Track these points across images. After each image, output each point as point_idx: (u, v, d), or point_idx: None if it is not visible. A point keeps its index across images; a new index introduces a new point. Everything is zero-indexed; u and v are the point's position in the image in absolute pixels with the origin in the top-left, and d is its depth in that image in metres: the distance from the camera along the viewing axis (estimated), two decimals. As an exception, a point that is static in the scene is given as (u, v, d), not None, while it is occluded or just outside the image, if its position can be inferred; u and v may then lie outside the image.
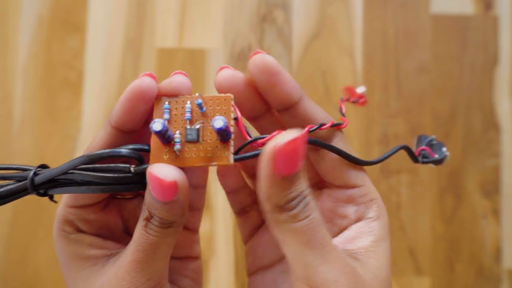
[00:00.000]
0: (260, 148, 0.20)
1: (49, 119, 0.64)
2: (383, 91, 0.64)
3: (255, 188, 0.25)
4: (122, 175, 0.20)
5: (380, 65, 0.65)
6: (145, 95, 0.20)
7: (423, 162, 0.26)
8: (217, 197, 0.63)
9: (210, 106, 0.20)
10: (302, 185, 0.19)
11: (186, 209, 0.20)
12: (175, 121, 0.20)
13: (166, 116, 0.20)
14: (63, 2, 0.65)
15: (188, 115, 0.20)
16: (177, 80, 0.21)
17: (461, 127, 0.64)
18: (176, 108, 0.21)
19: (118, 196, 0.24)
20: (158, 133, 0.19)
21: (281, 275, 0.24)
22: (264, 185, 0.19)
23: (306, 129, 0.21)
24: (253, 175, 0.25)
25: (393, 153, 0.25)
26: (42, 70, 0.65)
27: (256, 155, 0.20)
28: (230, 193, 0.26)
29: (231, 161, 0.19)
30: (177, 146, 0.20)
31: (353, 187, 0.22)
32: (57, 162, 0.66)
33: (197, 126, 0.20)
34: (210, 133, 0.20)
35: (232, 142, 0.20)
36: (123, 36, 0.65)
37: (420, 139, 0.27)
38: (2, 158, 0.63)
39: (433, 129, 0.64)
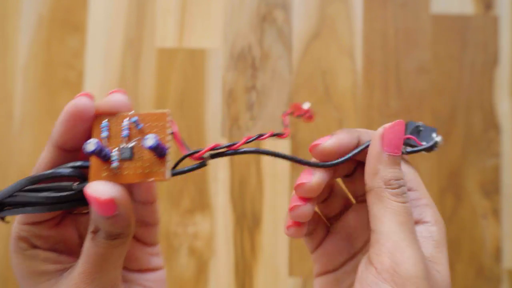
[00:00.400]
0: (202, 160, 0.21)
1: (49, 119, 0.64)
2: (383, 91, 0.64)
3: (320, 208, 0.27)
4: (65, 193, 0.20)
5: (380, 65, 0.65)
6: (82, 115, 0.21)
7: (408, 153, 0.25)
8: (217, 197, 0.63)
9: (147, 123, 0.21)
10: (402, 174, 0.22)
11: (131, 221, 0.21)
12: (113, 139, 0.21)
13: (105, 134, 0.21)
14: (63, 2, 0.65)
15: (125, 132, 0.21)
16: (115, 98, 0.22)
17: (461, 127, 0.64)
18: (114, 126, 0.21)
19: (74, 211, 0.24)
20: (92, 154, 0.20)
21: (342, 276, 0.26)
22: (373, 161, 0.22)
23: (268, 134, 0.22)
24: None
25: (362, 149, 0.24)
26: (42, 70, 0.65)
27: (194, 169, 0.21)
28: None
29: (167, 176, 0.20)
30: (114, 164, 0.20)
31: (409, 190, 0.24)
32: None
33: (131, 144, 0.21)
34: (146, 150, 0.20)
35: (168, 158, 0.20)
36: (123, 36, 0.65)
37: (406, 127, 0.26)
38: (2, 158, 0.63)
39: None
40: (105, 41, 0.65)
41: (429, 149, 0.25)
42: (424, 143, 0.25)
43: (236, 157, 0.63)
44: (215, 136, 0.64)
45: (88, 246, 0.21)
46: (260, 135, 0.22)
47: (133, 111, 0.22)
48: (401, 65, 0.65)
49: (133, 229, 0.21)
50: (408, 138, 0.25)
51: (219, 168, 0.63)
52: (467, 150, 0.63)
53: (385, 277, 0.21)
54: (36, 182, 0.21)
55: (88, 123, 0.21)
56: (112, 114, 0.21)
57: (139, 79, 0.65)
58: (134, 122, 0.21)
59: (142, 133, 0.21)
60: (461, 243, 0.62)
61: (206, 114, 0.64)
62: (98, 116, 0.21)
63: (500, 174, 0.63)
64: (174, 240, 0.62)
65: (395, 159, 0.22)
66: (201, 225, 0.62)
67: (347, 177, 0.27)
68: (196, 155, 0.21)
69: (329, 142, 0.25)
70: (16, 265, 0.23)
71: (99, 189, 0.19)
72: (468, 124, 0.64)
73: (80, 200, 0.21)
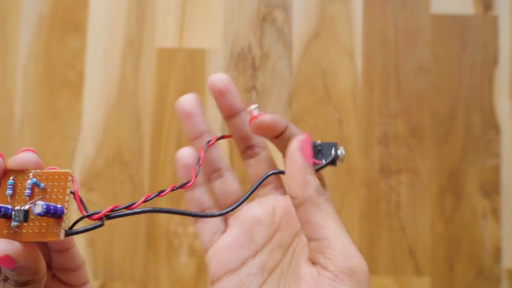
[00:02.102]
0: (99, 220, 0.22)
1: (49, 119, 0.64)
2: (383, 91, 0.64)
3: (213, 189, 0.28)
4: None
5: (380, 65, 0.65)
6: None
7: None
8: (217, 197, 0.63)
9: (49, 182, 0.22)
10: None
11: (38, 269, 0.22)
12: (17, 197, 0.22)
13: (9, 191, 0.22)
14: (63, 2, 0.65)
15: (27, 191, 0.22)
16: (23, 156, 0.23)
17: (461, 127, 0.64)
18: (20, 184, 0.22)
19: None
20: None
21: (248, 278, 0.26)
22: (300, 173, 0.23)
23: (168, 189, 0.24)
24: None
25: (262, 181, 0.26)
26: (43, 70, 0.65)
27: (90, 229, 0.22)
28: (189, 191, 0.28)
29: (61, 237, 0.22)
30: (14, 223, 0.21)
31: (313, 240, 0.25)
32: (57, 162, 0.66)
33: (26, 207, 0.22)
34: None
35: (64, 218, 0.22)
36: (123, 36, 0.65)
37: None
38: (3, 158, 0.63)
39: (433, 129, 0.64)
40: (105, 41, 0.65)
41: (330, 163, 0.26)
42: (323, 161, 0.26)
43: (236, 156, 0.63)
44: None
45: None
46: (161, 191, 0.24)
47: (35, 171, 0.23)
48: (401, 65, 0.65)
49: (43, 275, 0.23)
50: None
51: (219, 168, 0.63)
52: (467, 150, 0.64)
53: (343, 278, 0.22)
54: None
55: None
56: (19, 171, 0.23)
57: (139, 79, 0.65)
58: (34, 183, 0.22)
59: (45, 191, 0.22)
60: (460, 243, 0.62)
61: (206, 114, 0.64)
62: (7, 172, 0.23)
63: (499, 174, 0.63)
64: (174, 240, 0.62)
65: (313, 168, 0.24)
66: (201, 225, 0.62)
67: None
68: (95, 216, 0.22)
69: (267, 116, 0.25)
70: None
71: None
72: (468, 124, 0.64)
73: None
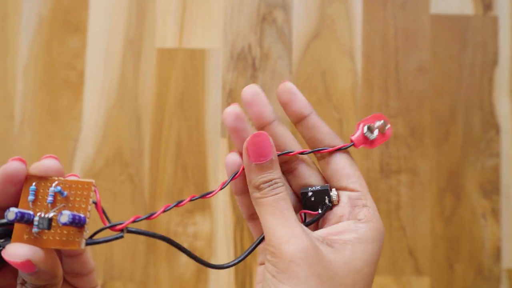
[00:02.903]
0: (119, 232, 0.23)
1: (49, 119, 0.64)
2: (383, 91, 0.64)
3: None
4: None
5: (380, 65, 0.65)
6: (12, 179, 0.22)
7: (307, 225, 0.26)
8: (217, 198, 0.63)
9: (72, 191, 0.22)
10: (274, 174, 0.25)
11: (56, 273, 0.22)
12: (39, 203, 0.22)
13: (31, 197, 0.22)
14: (63, 3, 0.65)
15: (50, 199, 0.22)
16: (45, 163, 0.23)
17: (461, 127, 0.64)
18: (42, 190, 0.22)
19: None
20: (13, 221, 0.21)
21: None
22: (246, 172, 0.25)
23: (187, 199, 0.25)
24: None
25: (259, 242, 0.27)
26: (43, 70, 0.65)
27: (110, 240, 0.23)
28: (238, 194, 0.29)
29: (82, 246, 0.22)
30: (35, 229, 0.22)
31: (353, 190, 0.26)
32: (57, 162, 0.66)
33: (50, 215, 0.22)
34: None
35: (86, 228, 0.22)
36: (123, 36, 0.65)
37: (301, 197, 0.27)
38: (3, 158, 0.63)
39: (433, 129, 0.64)
40: (105, 41, 0.65)
41: (328, 210, 0.26)
42: (319, 210, 0.26)
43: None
44: (215, 136, 0.64)
45: None
46: (179, 202, 0.24)
47: (60, 178, 0.23)
48: (401, 65, 0.65)
49: (60, 279, 0.23)
50: (303, 212, 0.27)
51: (219, 168, 0.63)
52: (467, 150, 0.64)
53: (270, 269, 0.23)
54: None
55: (19, 185, 0.23)
56: (42, 178, 0.23)
57: (139, 79, 0.65)
58: (59, 192, 0.22)
59: (67, 200, 0.22)
60: (460, 243, 0.62)
61: (206, 114, 0.64)
62: (29, 178, 0.23)
63: (499, 174, 0.63)
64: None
65: (262, 166, 0.25)
66: (201, 225, 0.62)
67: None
68: (117, 227, 0.22)
69: (291, 85, 0.28)
70: None
71: (13, 252, 0.21)
72: (468, 124, 0.64)
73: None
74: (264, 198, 0.25)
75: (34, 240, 0.22)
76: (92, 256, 0.62)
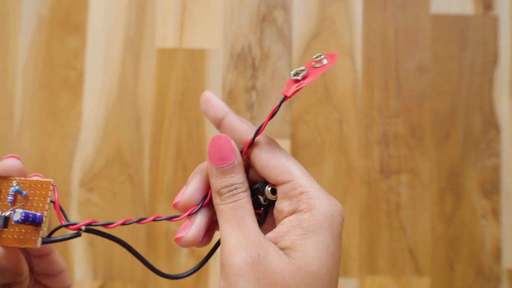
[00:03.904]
0: (76, 231, 0.23)
1: (49, 119, 0.64)
2: (383, 91, 0.64)
3: None
4: None
5: (380, 65, 0.65)
6: None
7: (260, 225, 0.25)
8: (217, 197, 0.63)
9: (32, 190, 0.23)
10: (235, 179, 0.24)
11: (20, 271, 0.23)
12: (0, 202, 0.23)
13: None
14: (63, 2, 0.65)
15: (10, 198, 0.23)
16: (7, 163, 0.23)
17: (461, 127, 0.64)
18: (4, 190, 0.23)
19: None
20: None
21: None
22: (209, 176, 0.25)
23: (150, 218, 0.25)
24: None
25: (208, 257, 0.28)
26: (42, 70, 0.65)
27: (67, 238, 0.23)
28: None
29: (38, 244, 0.22)
30: None
31: (283, 183, 0.24)
32: (57, 162, 0.66)
33: (7, 214, 0.23)
34: None
35: (42, 226, 0.23)
36: (123, 36, 0.65)
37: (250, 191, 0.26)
38: (2, 158, 0.63)
39: (433, 129, 0.64)
40: (105, 41, 0.65)
41: (269, 205, 0.26)
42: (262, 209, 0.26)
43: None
44: (215, 136, 0.64)
45: None
46: (142, 219, 0.24)
47: (20, 178, 0.23)
48: (401, 65, 0.65)
49: (26, 277, 0.23)
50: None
51: (219, 168, 0.63)
52: (467, 150, 0.63)
53: (221, 284, 0.22)
54: None
55: None
56: (4, 178, 0.23)
57: (139, 79, 0.65)
58: (17, 191, 0.23)
59: (27, 199, 0.23)
60: (460, 243, 0.62)
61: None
62: None
63: (499, 174, 0.63)
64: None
65: (223, 170, 0.24)
66: (201, 225, 0.62)
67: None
68: (73, 227, 0.23)
69: (208, 92, 0.27)
70: None
71: None
72: (468, 124, 0.64)
73: None
74: (222, 205, 0.24)
75: None
76: (92, 256, 0.62)
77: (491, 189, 0.63)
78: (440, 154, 0.63)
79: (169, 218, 0.25)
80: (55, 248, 0.27)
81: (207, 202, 0.25)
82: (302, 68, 0.25)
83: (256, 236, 0.23)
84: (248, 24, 0.65)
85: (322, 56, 0.24)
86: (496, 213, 0.63)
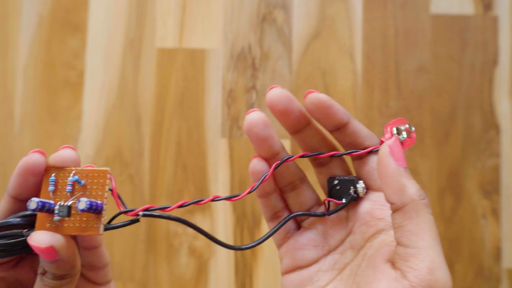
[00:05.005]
0: (135, 216, 0.23)
1: (49, 119, 0.64)
2: (383, 91, 0.64)
3: (291, 201, 0.28)
4: (15, 240, 0.23)
5: (380, 65, 0.65)
6: (32, 170, 0.23)
7: (329, 214, 0.26)
8: (217, 197, 0.63)
9: (89, 179, 0.24)
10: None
11: (75, 264, 0.23)
12: (59, 192, 0.24)
13: (51, 188, 0.24)
14: (63, 2, 0.65)
15: (69, 188, 0.24)
16: (63, 154, 0.24)
17: (461, 127, 0.64)
18: (61, 180, 0.24)
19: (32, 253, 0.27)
20: (35, 211, 0.22)
21: (317, 273, 0.26)
22: (395, 178, 0.22)
23: (208, 199, 0.24)
24: (282, 187, 0.28)
25: (283, 224, 0.26)
26: (43, 70, 0.65)
27: (127, 225, 0.23)
28: (262, 197, 0.28)
29: (101, 231, 0.23)
30: (56, 217, 0.23)
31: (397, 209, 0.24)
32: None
33: (69, 203, 0.23)
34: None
35: (103, 214, 0.23)
36: (123, 36, 0.65)
37: (328, 184, 0.27)
38: (2, 158, 0.63)
39: (433, 129, 0.64)
40: (105, 41, 0.65)
41: (352, 200, 0.26)
42: (343, 200, 0.26)
43: (236, 156, 0.63)
44: (215, 136, 0.64)
45: (37, 286, 0.23)
46: (200, 200, 0.24)
47: (77, 168, 0.24)
48: (401, 65, 0.65)
49: (78, 270, 0.24)
50: (327, 200, 0.26)
51: (219, 168, 0.63)
52: (467, 150, 0.64)
53: None
54: None
55: (39, 176, 0.24)
56: (60, 168, 0.24)
57: (139, 79, 0.65)
58: (76, 180, 0.24)
59: (84, 188, 0.24)
60: (460, 243, 0.62)
61: (206, 114, 0.64)
62: (49, 169, 0.24)
63: (499, 174, 0.63)
64: (174, 240, 0.62)
65: (407, 171, 0.23)
66: (201, 225, 0.62)
67: (320, 166, 0.27)
68: (131, 212, 0.23)
69: (324, 95, 0.25)
70: None
71: (38, 238, 0.22)
72: (468, 124, 0.64)
73: (29, 246, 0.23)
74: (429, 214, 0.22)
75: (56, 228, 0.23)
76: (92, 256, 0.62)
77: (491, 189, 0.63)
78: (440, 154, 0.63)
79: (229, 198, 0.25)
80: (103, 241, 0.28)
81: (267, 178, 0.25)
82: (406, 127, 0.26)
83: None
84: (248, 24, 0.65)
85: (413, 129, 0.27)
86: (496, 213, 0.63)
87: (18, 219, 0.23)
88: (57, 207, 0.23)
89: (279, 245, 0.28)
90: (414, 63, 0.65)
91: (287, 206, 0.28)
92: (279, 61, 0.65)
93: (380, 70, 0.65)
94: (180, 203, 0.24)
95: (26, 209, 0.24)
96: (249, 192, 0.25)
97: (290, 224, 0.28)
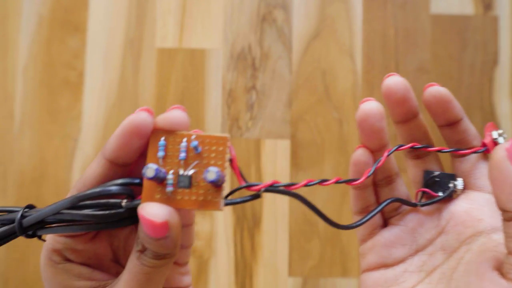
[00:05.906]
0: (257, 191, 0.20)
1: (49, 119, 0.64)
2: (383, 91, 0.64)
3: (376, 190, 0.27)
4: (113, 211, 0.20)
5: (380, 65, 0.65)
6: (140, 131, 0.20)
7: (422, 205, 0.25)
8: (217, 197, 0.63)
9: (206, 146, 0.20)
10: None
11: (179, 242, 0.20)
12: (169, 159, 0.20)
13: (161, 153, 0.20)
14: (63, 2, 0.65)
15: (183, 155, 0.20)
16: (174, 115, 0.21)
17: (461, 127, 0.64)
18: (172, 146, 0.20)
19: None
20: (151, 179, 0.19)
21: (403, 274, 0.25)
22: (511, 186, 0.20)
23: (333, 180, 0.23)
24: (375, 183, 0.27)
25: (384, 206, 0.25)
26: (42, 70, 0.65)
27: (247, 200, 0.20)
28: (358, 189, 0.26)
29: (221, 207, 0.20)
30: (169, 189, 0.20)
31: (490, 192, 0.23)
32: (57, 162, 0.66)
33: (190, 173, 0.20)
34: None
35: (224, 187, 0.20)
36: (123, 36, 0.65)
37: (423, 177, 0.26)
38: (2, 158, 0.63)
39: (433, 129, 0.64)
40: (105, 41, 0.65)
41: (445, 198, 0.25)
42: (440, 193, 0.25)
43: (236, 156, 0.63)
44: (215, 136, 0.64)
45: (133, 264, 0.20)
46: (324, 180, 0.22)
47: (193, 132, 0.21)
48: (401, 65, 0.65)
49: (178, 250, 0.21)
50: (422, 191, 0.26)
51: (219, 168, 0.63)
52: (467, 150, 0.63)
53: None
54: (83, 201, 0.20)
55: (144, 139, 0.20)
56: (170, 131, 0.20)
57: (139, 79, 0.65)
58: (194, 147, 0.20)
59: (200, 157, 0.20)
60: (460, 243, 0.62)
61: (206, 114, 0.64)
62: (155, 132, 0.20)
63: (499, 174, 0.63)
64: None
65: None
66: (201, 225, 0.62)
67: (417, 159, 0.27)
68: (255, 187, 0.20)
69: (445, 89, 0.25)
70: (47, 279, 0.22)
71: (154, 211, 0.19)
72: (468, 124, 0.64)
73: (128, 219, 0.20)
74: None
75: (167, 200, 0.20)
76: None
77: (491, 189, 0.63)
78: (440, 154, 0.63)
79: (349, 181, 0.23)
80: (194, 220, 0.25)
81: (381, 164, 0.24)
82: (502, 132, 0.26)
83: None
84: (248, 24, 0.65)
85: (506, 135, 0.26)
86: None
87: (118, 187, 0.20)
88: (170, 176, 0.20)
89: (363, 240, 0.26)
90: (414, 63, 0.65)
91: (378, 201, 0.27)
92: (279, 61, 0.65)
93: (380, 70, 0.65)
94: (305, 181, 0.21)
95: (123, 175, 0.21)
96: (367, 177, 0.23)
97: (377, 219, 0.26)
